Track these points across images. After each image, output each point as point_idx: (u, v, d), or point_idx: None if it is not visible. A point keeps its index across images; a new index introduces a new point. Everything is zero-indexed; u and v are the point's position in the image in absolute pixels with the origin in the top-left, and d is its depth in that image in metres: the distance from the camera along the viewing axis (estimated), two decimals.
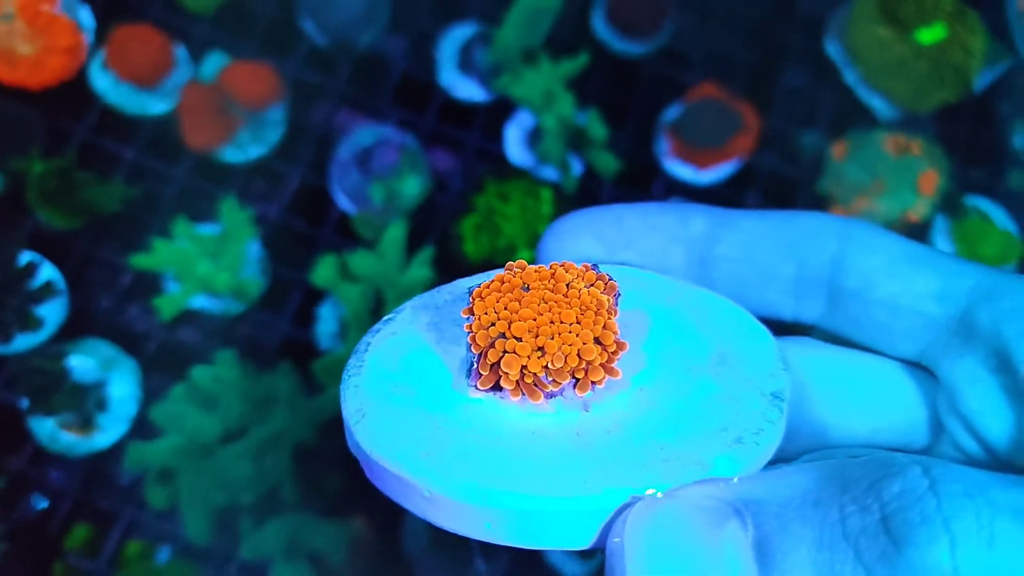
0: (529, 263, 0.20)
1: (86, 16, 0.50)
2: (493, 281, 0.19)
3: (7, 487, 0.50)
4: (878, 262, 0.19)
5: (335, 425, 0.48)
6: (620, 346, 0.18)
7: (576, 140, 0.52)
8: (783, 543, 0.15)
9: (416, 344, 0.20)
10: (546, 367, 0.18)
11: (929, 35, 0.47)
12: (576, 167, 0.53)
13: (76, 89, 0.50)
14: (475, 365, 0.18)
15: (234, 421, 0.46)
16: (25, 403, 0.48)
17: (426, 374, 0.19)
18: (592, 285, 0.18)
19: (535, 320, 0.18)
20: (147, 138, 0.53)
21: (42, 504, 0.50)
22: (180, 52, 0.51)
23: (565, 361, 0.18)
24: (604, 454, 0.17)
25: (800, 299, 0.21)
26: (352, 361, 0.20)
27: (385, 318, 0.21)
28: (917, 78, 0.48)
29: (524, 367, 0.18)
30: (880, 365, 0.20)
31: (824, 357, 0.21)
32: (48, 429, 0.49)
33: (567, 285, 0.18)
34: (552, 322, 0.18)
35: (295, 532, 0.48)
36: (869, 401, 0.20)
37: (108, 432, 0.49)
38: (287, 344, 0.51)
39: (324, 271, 0.48)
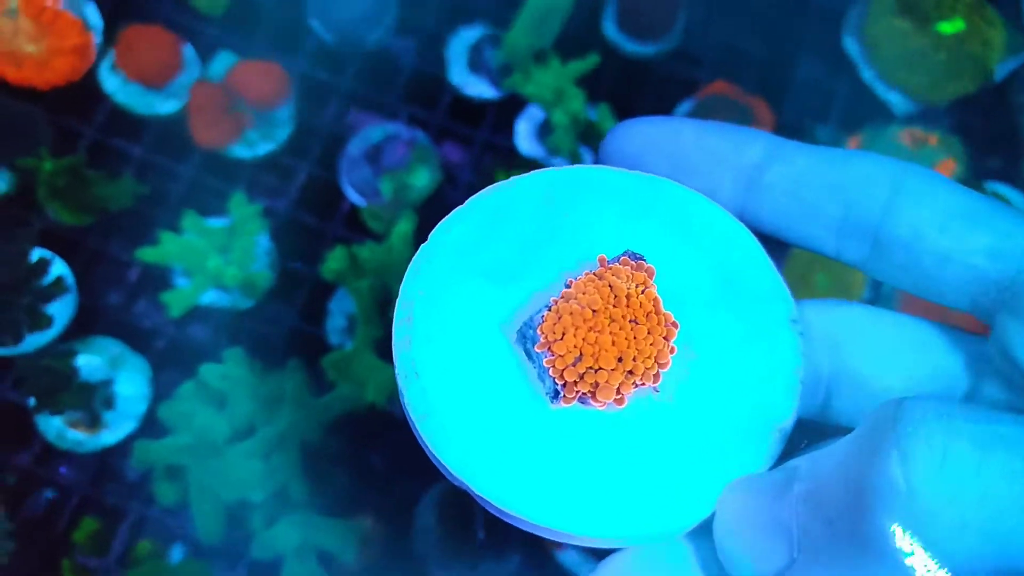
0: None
1: (93, 15, 0.49)
2: (557, 311, 0.19)
3: (15, 484, 0.50)
4: (930, 215, 0.19)
5: (342, 423, 0.47)
6: (675, 327, 0.19)
7: (587, 133, 0.52)
8: (822, 495, 0.16)
9: (458, 350, 0.20)
10: (635, 383, 0.19)
11: (949, 27, 0.46)
12: (588, 159, 0.53)
13: (85, 89, 0.50)
14: (562, 393, 0.19)
15: (242, 419, 0.45)
16: (32, 402, 0.47)
17: (496, 391, 0.19)
18: (642, 284, 0.19)
19: (614, 344, 0.18)
20: (155, 136, 0.52)
21: (49, 495, 0.50)
22: (188, 52, 0.50)
23: (648, 371, 0.19)
24: (696, 458, 0.19)
25: (843, 240, 0.21)
26: (410, 391, 0.19)
27: (414, 268, 0.20)
28: (935, 70, 0.47)
29: (616, 390, 0.19)
30: (913, 321, 0.21)
31: (855, 315, 0.21)
32: (55, 427, 0.49)
33: (627, 297, 0.19)
34: (628, 340, 0.18)
35: (305, 531, 0.47)
36: (905, 355, 0.20)
37: (115, 430, 0.49)
38: (296, 339, 0.51)
39: (333, 264, 0.47)
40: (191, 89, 0.47)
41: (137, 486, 0.50)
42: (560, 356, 0.18)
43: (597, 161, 0.23)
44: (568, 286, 0.19)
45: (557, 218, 0.21)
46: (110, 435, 0.49)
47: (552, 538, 0.19)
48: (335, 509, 0.48)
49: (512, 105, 0.54)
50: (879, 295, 0.51)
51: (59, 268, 0.49)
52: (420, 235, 0.50)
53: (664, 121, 0.22)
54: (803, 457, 0.17)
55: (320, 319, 0.50)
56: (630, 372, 0.18)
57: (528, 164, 0.53)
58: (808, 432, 0.21)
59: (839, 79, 0.52)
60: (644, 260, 0.19)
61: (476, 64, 0.54)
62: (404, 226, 0.49)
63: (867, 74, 0.50)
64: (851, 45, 0.50)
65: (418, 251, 0.21)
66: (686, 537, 0.19)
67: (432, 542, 0.50)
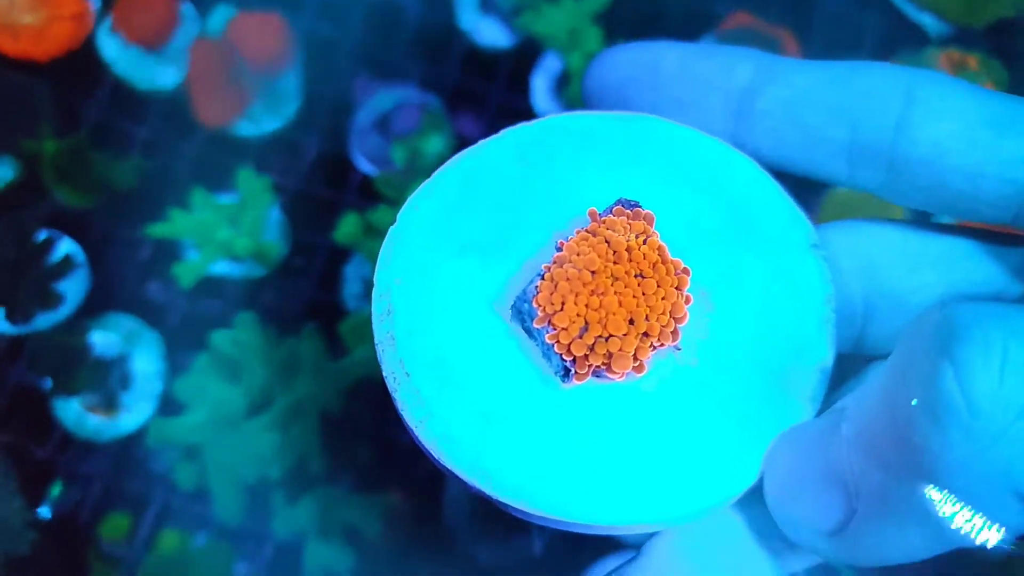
0: None
1: None
2: (552, 277, 0.17)
3: (35, 474, 0.49)
4: (953, 128, 0.17)
5: (362, 390, 0.46)
6: (687, 273, 0.17)
7: None
8: (867, 429, 0.14)
9: (448, 339, 0.18)
10: (652, 345, 0.17)
11: None
12: None
13: (85, 62, 0.49)
14: (573, 370, 0.17)
15: (258, 389, 0.44)
16: (48, 383, 0.47)
17: (497, 378, 0.17)
18: (642, 234, 0.17)
19: (622, 305, 0.16)
20: (160, 114, 0.52)
21: (71, 485, 0.49)
22: (187, 9, 0.49)
23: (666, 329, 0.17)
24: (735, 420, 0.17)
25: (855, 165, 0.18)
26: (401, 394, 0.17)
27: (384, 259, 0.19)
28: None
29: (635, 355, 0.17)
30: (948, 231, 0.19)
31: (885, 232, 0.19)
32: (74, 413, 0.48)
33: (627, 250, 0.17)
34: (636, 298, 0.16)
35: (328, 507, 0.46)
36: (944, 267, 0.18)
37: (134, 412, 0.48)
38: (311, 307, 0.49)
39: (347, 227, 0.46)
40: (191, 51, 0.46)
41: (160, 473, 0.49)
42: (563, 329, 0.16)
43: (586, 83, 0.21)
44: (560, 249, 0.17)
45: (536, 176, 0.19)
46: (129, 419, 0.48)
47: (589, 532, 0.17)
48: (358, 484, 0.47)
49: (527, 57, 0.52)
50: None
51: (68, 247, 0.48)
52: None
53: (644, 48, 0.20)
54: (848, 396, 0.15)
55: (336, 286, 0.49)
56: (645, 334, 0.16)
57: None
58: (850, 367, 0.19)
59: (869, 5, 0.50)
60: (640, 207, 0.18)
61: (487, 5, 0.52)
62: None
63: None
64: None
65: (387, 235, 0.19)
66: (735, 506, 0.17)
67: (463, 515, 0.48)
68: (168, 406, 0.48)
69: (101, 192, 0.49)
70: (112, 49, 0.49)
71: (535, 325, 0.17)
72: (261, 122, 0.51)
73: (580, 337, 0.16)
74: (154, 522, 0.48)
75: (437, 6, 0.53)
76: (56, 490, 0.49)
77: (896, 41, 0.49)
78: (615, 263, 0.16)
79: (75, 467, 0.49)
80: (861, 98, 0.18)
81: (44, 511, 0.48)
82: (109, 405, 0.48)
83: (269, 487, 0.46)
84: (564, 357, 0.16)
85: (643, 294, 0.16)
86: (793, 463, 0.15)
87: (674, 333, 0.16)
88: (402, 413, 0.17)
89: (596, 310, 0.16)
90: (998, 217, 0.17)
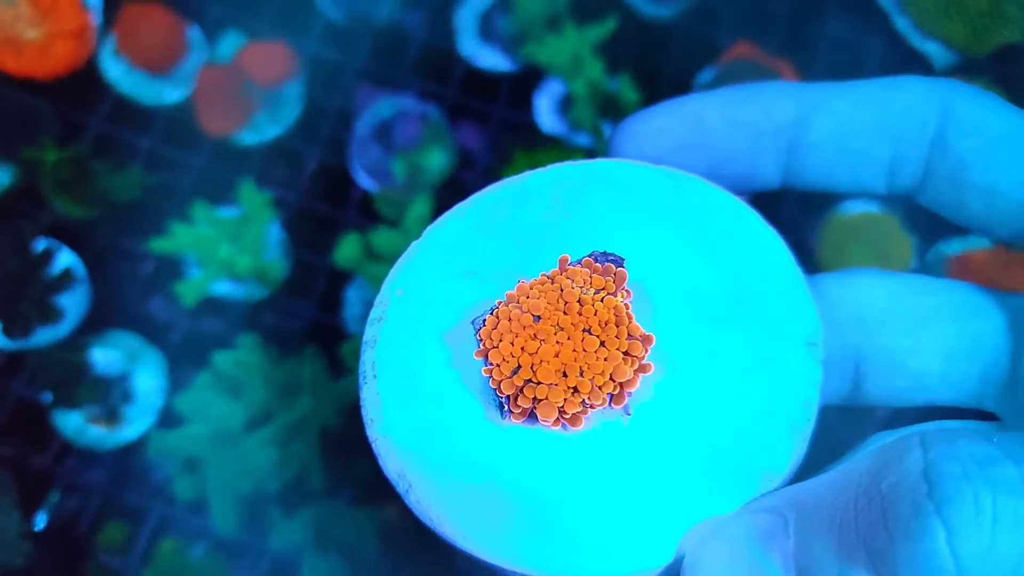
0: None
1: None
2: (497, 315, 0.17)
3: (33, 484, 0.49)
4: (976, 145, 0.17)
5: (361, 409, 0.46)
6: (647, 341, 0.16)
7: (608, 106, 0.50)
8: (814, 547, 0.14)
9: (423, 354, 0.18)
10: (583, 402, 0.16)
11: None
12: (609, 133, 0.51)
13: (88, 79, 0.49)
14: (507, 407, 0.17)
15: (258, 407, 0.44)
16: (48, 397, 0.47)
17: (451, 400, 0.17)
18: (603, 290, 0.17)
19: (558, 356, 0.16)
20: (163, 126, 0.51)
21: (69, 495, 0.49)
22: (194, 34, 0.49)
23: (600, 390, 0.16)
24: (665, 493, 0.16)
25: (894, 178, 0.19)
26: (365, 392, 0.18)
27: (373, 317, 0.19)
28: (976, 16, 0.44)
29: (560, 409, 0.16)
30: (946, 286, 0.19)
31: (883, 285, 0.19)
32: (75, 424, 0.48)
33: (579, 302, 0.16)
34: (576, 352, 0.16)
35: (325, 522, 0.46)
36: (939, 326, 0.18)
37: (135, 424, 0.48)
38: (312, 329, 0.49)
39: (347, 250, 0.46)
40: (198, 74, 0.46)
41: (159, 484, 0.49)
42: (496, 366, 0.16)
43: (616, 148, 0.20)
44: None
45: (558, 217, 0.19)
46: (130, 430, 0.48)
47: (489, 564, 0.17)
48: (356, 498, 0.47)
49: (530, 78, 0.52)
50: (924, 266, 0.48)
51: (68, 259, 0.48)
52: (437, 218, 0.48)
53: (678, 108, 0.20)
54: (783, 498, 0.15)
55: (336, 308, 0.49)
56: (575, 389, 0.16)
57: (550, 141, 0.51)
58: (839, 417, 0.18)
59: (871, 32, 0.49)
60: (618, 263, 0.17)
61: (487, 33, 0.52)
62: (419, 209, 0.47)
63: (901, 24, 0.47)
64: None
65: (408, 248, 0.19)
66: None
67: None
68: (169, 420, 0.48)
69: (102, 204, 0.49)
70: (116, 71, 0.49)
71: (475, 356, 0.17)
72: (263, 130, 0.51)
73: (510, 377, 0.16)
74: (152, 533, 0.48)
75: (439, 33, 0.53)
76: (54, 500, 0.49)
77: (900, 70, 0.49)
78: (564, 313, 0.16)
79: (74, 478, 0.49)
80: (901, 115, 0.18)
81: (40, 520, 0.48)
82: (111, 418, 0.48)
83: (267, 501, 0.46)
84: (497, 392, 0.16)
85: (584, 350, 0.16)
86: (725, 559, 0.15)
87: (617, 397, 0.16)
88: (362, 411, 0.18)
89: (531, 354, 0.16)
90: (1012, 237, 0.17)
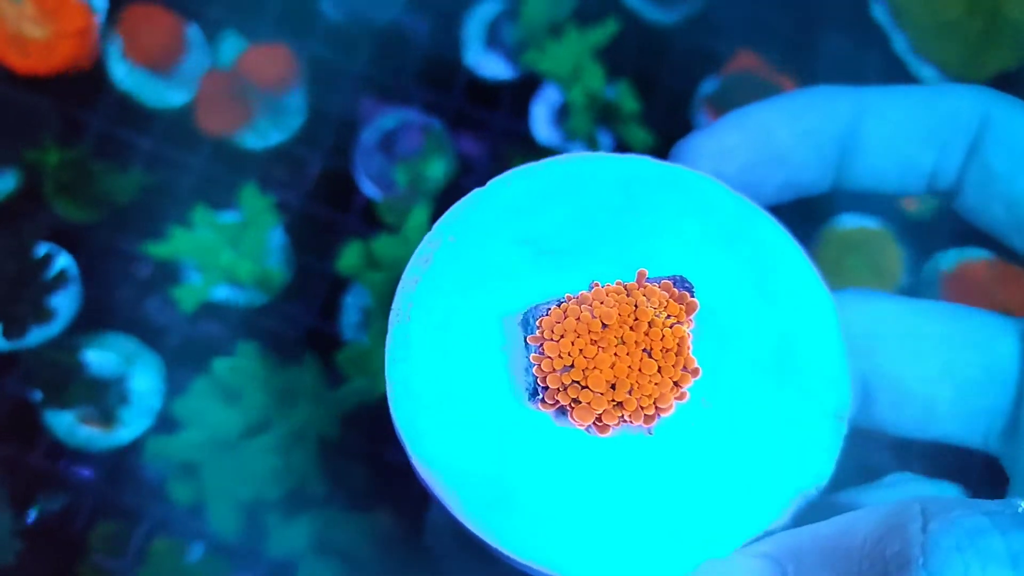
0: None
1: None
2: (565, 310, 0.17)
3: (25, 483, 0.49)
4: (1004, 155, 0.17)
5: (359, 418, 0.46)
6: (695, 374, 0.17)
7: (606, 114, 0.50)
8: None
9: (464, 309, 0.18)
10: (621, 416, 0.16)
11: None
12: (605, 142, 0.51)
13: (92, 78, 0.49)
14: (541, 396, 0.17)
15: (257, 414, 0.44)
16: (38, 396, 0.46)
17: (481, 365, 0.17)
18: (673, 317, 0.17)
19: (612, 367, 0.16)
20: (164, 127, 0.51)
21: (62, 495, 0.49)
22: (194, 33, 0.49)
23: (642, 410, 0.16)
24: (672, 516, 0.17)
25: (935, 181, 0.19)
26: (394, 330, 0.17)
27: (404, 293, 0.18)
28: (971, 38, 0.45)
29: (597, 416, 0.16)
30: (951, 311, 0.19)
31: (889, 310, 0.19)
32: (66, 423, 0.48)
33: (649, 324, 0.16)
34: (631, 369, 0.16)
35: (323, 527, 0.46)
36: (946, 352, 0.18)
37: (131, 427, 0.48)
38: (311, 336, 0.49)
39: (349, 258, 0.46)
40: (202, 80, 0.46)
41: (155, 486, 0.49)
42: (549, 357, 0.16)
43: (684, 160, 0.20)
44: (591, 288, 0.17)
45: (625, 210, 0.18)
46: (126, 432, 0.48)
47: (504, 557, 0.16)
48: (352, 504, 0.47)
49: (529, 88, 0.52)
50: (919, 280, 0.49)
51: (62, 260, 0.48)
52: None
53: (746, 119, 0.20)
54: (789, 539, 0.16)
55: (335, 315, 0.49)
56: (619, 403, 0.16)
57: (544, 152, 0.52)
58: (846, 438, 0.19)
59: (869, 52, 0.50)
60: (692, 292, 0.17)
61: (493, 42, 0.52)
62: (419, 217, 0.48)
63: (899, 45, 0.48)
64: (881, 14, 0.48)
65: (467, 195, 0.19)
66: None
67: (445, 538, 0.48)
68: (165, 423, 0.48)
69: (102, 206, 0.49)
70: (120, 71, 0.49)
71: (528, 340, 0.17)
72: (266, 135, 0.51)
73: (560, 372, 0.16)
74: (147, 534, 0.48)
75: (443, 40, 0.53)
76: (45, 499, 0.49)
77: None
78: (631, 329, 0.16)
79: (66, 478, 0.49)
80: (946, 120, 0.18)
81: (31, 518, 0.48)
82: (106, 419, 0.48)
83: (265, 507, 0.46)
84: (539, 381, 0.16)
85: (639, 370, 0.16)
86: None
87: (648, 418, 0.16)
88: (387, 348, 0.17)
89: (588, 358, 0.16)
90: None
